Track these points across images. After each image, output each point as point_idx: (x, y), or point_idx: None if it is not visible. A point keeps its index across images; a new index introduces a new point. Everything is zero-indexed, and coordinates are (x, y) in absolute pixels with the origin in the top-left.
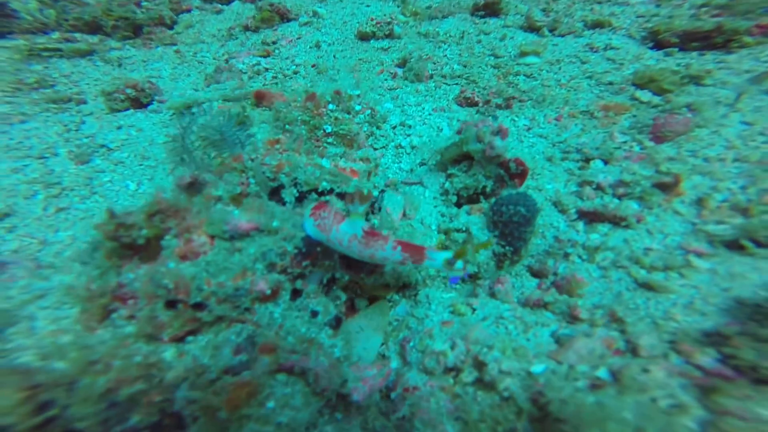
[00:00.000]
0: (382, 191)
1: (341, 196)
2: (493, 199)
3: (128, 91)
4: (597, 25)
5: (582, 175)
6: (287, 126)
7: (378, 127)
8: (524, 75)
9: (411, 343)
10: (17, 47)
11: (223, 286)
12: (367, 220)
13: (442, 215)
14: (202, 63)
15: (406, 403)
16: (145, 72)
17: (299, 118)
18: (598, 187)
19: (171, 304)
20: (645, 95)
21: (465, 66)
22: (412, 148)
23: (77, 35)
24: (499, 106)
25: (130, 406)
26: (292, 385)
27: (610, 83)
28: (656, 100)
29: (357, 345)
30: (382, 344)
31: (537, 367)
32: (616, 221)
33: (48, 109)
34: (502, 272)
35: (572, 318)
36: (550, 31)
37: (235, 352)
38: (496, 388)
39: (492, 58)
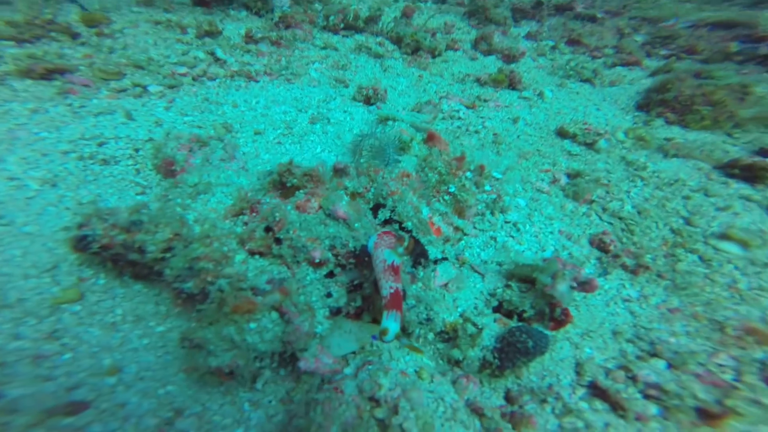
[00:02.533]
0: (444, 259)
1: (405, 231)
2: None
3: (369, 91)
4: None
5: (631, 362)
6: (426, 169)
7: (492, 213)
8: (700, 258)
9: (370, 367)
10: None
11: (300, 239)
12: (415, 267)
13: (475, 308)
14: (426, 92)
15: (327, 395)
16: (391, 82)
17: (438, 168)
18: (633, 378)
19: (267, 229)
20: None
21: (639, 212)
22: (503, 247)
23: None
24: (624, 267)
25: (194, 274)
26: (273, 325)
27: None
28: None
29: (336, 339)
30: (354, 353)
31: None
32: (616, 407)
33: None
34: (477, 375)
35: None
36: None
37: (267, 282)
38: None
39: (681, 221)
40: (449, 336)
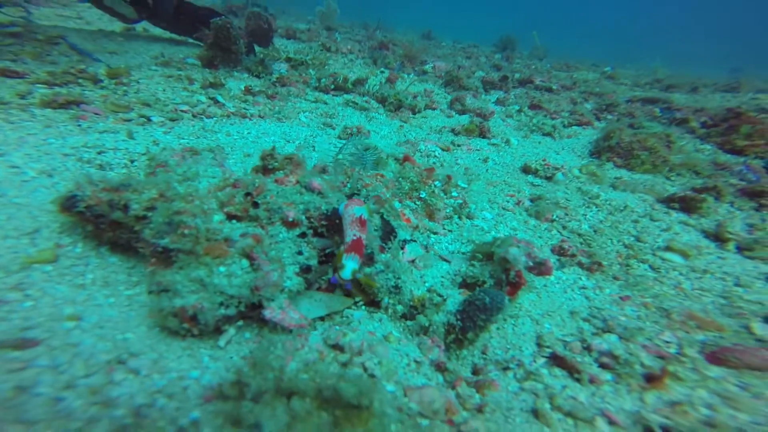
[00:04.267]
0: (413, 241)
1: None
2: None
3: (354, 130)
4: None
5: (587, 338)
6: (400, 179)
7: (460, 217)
8: (651, 267)
9: (337, 327)
10: None
11: (276, 202)
12: (384, 242)
13: (441, 285)
14: (405, 137)
15: (289, 336)
16: (374, 128)
17: (410, 177)
18: (588, 348)
19: (247, 195)
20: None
21: (595, 231)
22: (470, 242)
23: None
24: (580, 264)
25: (173, 228)
26: (243, 272)
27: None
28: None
29: (305, 304)
30: (321, 318)
31: (389, 386)
32: (573, 372)
33: (320, 127)
34: (443, 341)
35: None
36: (738, 249)
37: (241, 235)
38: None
39: (632, 239)
40: (417, 311)
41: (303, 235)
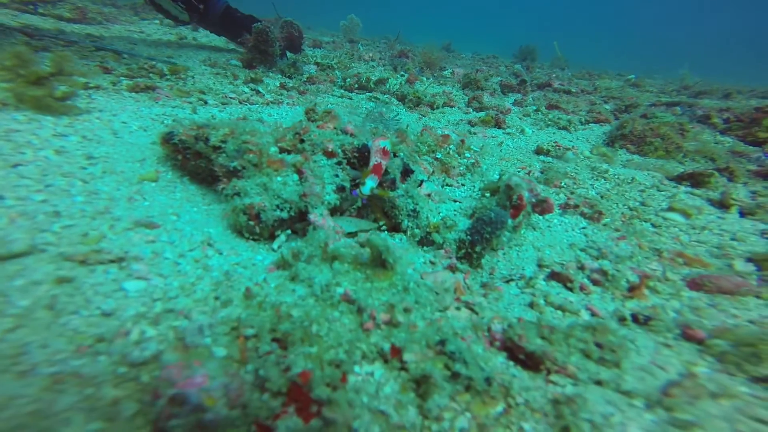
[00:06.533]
0: (429, 181)
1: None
2: None
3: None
4: None
5: (581, 261)
6: (419, 143)
7: (472, 174)
8: (652, 225)
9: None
10: None
11: (318, 138)
12: (402, 180)
13: (455, 215)
14: (423, 125)
15: (329, 233)
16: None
17: (428, 141)
18: (582, 267)
19: (296, 134)
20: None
21: (602, 197)
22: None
23: None
24: (583, 214)
25: (240, 155)
26: (294, 183)
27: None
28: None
29: (339, 220)
30: (351, 235)
31: (408, 269)
32: (566, 282)
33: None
34: (458, 255)
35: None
36: (741, 213)
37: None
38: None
39: (637, 203)
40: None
41: (339, 163)
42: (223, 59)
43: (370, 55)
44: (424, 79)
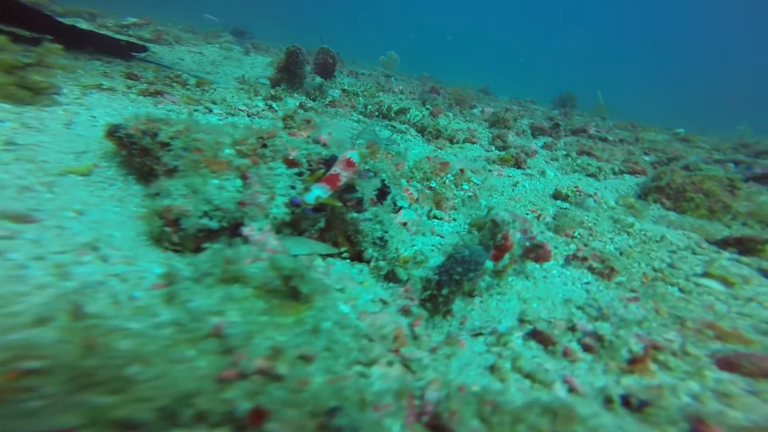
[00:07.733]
0: (408, 208)
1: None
2: None
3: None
4: None
5: (574, 320)
6: (414, 170)
7: (468, 208)
8: (680, 290)
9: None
10: None
11: (283, 145)
12: (379, 201)
13: (431, 251)
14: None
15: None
16: (408, 146)
17: (424, 168)
18: (573, 328)
19: (259, 138)
20: None
21: (621, 253)
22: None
23: None
24: (591, 269)
25: (188, 153)
26: (235, 189)
27: None
28: None
29: (288, 240)
30: (307, 255)
31: (344, 306)
32: (549, 345)
33: None
34: (418, 295)
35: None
36: None
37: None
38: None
39: (664, 264)
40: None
41: (300, 174)
42: (254, 77)
43: (401, 87)
44: (450, 114)
